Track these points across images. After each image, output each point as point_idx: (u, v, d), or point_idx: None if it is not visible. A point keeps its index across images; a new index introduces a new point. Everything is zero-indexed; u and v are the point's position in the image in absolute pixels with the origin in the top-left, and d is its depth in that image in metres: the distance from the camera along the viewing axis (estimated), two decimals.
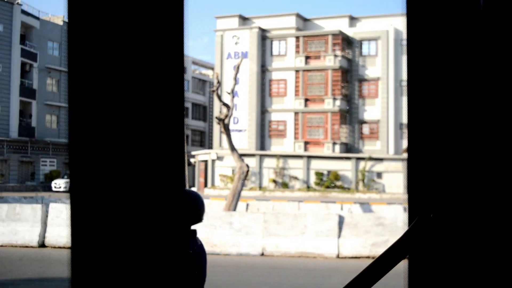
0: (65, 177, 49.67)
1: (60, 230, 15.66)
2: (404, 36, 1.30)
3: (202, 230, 14.83)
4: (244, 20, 56.23)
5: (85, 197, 1.14)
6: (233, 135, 23.81)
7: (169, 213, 1.15)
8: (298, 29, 54.30)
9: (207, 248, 14.69)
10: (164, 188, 1.15)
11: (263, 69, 53.97)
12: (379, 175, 48.30)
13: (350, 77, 53.16)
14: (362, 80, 52.86)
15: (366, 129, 52.55)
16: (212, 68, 65.76)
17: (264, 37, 54.36)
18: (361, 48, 53.33)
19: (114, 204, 1.14)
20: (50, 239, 15.65)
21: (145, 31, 1.14)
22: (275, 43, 54.44)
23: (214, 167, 52.11)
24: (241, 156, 22.68)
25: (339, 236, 14.82)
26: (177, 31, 1.15)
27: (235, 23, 55.38)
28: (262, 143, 53.21)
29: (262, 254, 14.81)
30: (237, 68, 23.83)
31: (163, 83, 1.14)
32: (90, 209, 1.14)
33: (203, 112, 72.76)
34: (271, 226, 15.16)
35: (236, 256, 14.68)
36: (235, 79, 23.93)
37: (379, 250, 14.31)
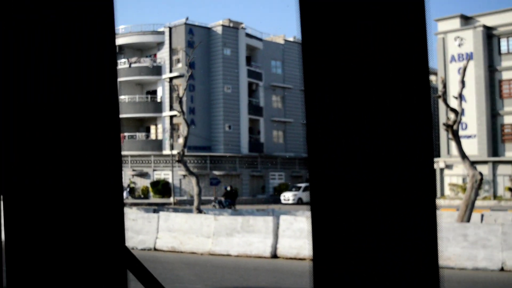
0: (293, 189, 51.27)
1: (290, 242, 15.96)
2: None
3: None
4: (466, 19, 53.30)
5: (326, 209, 1.11)
6: (462, 141, 22.45)
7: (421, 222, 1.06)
8: None
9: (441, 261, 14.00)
10: (414, 197, 1.07)
11: (491, 70, 50.52)
12: None
13: None
14: None
15: None
16: (435, 73, 63.43)
17: (490, 36, 50.94)
18: None
19: (357, 216, 1.10)
20: (281, 250, 16.02)
21: (381, 44, 1.09)
22: (503, 41, 50.67)
23: (442, 176, 49.92)
24: (473, 163, 21.26)
25: None
26: (420, 42, 1.08)
27: (457, 24, 52.72)
28: (494, 149, 49.71)
29: (502, 269, 13.59)
30: (464, 71, 22.45)
31: (409, 95, 1.09)
32: (331, 221, 1.11)
33: None
34: (511, 239, 13.87)
35: (472, 271, 13.67)
36: (462, 82, 22.55)
37: None
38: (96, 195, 1.93)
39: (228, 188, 39.38)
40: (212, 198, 46.10)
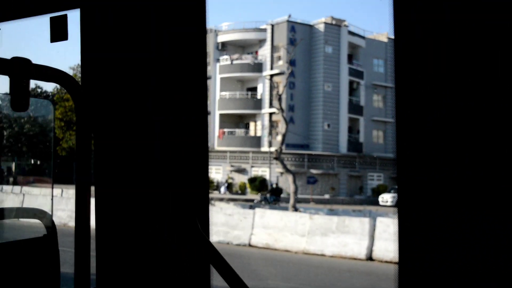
0: (392, 191, 50.24)
1: (387, 244, 15.62)
2: None
3: None
4: None
5: (414, 212, 1.09)
6: None
7: None
8: None
9: None
10: (507, 203, 1.02)
11: None
12: None
13: None
14: None
15: None
16: None
17: None
18: None
19: (446, 221, 1.05)
20: (377, 253, 15.71)
21: (477, 41, 1.03)
22: None
23: None
24: None
25: None
26: None
27: None
28: None
29: None
30: None
31: (506, 96, 1.03)
32: (419, 224, 1.08)
33: None
34: None
35: None
36: None
37: None
38: (182, 189, 1.94)
39: (274, 186, 42.42)
40: (310, 196, 46.11)
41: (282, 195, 47.19)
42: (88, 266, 1.85)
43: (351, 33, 56.98)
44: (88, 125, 1.79)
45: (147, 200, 1.97)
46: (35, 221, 2.26)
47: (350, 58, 57.21)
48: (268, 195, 40.01)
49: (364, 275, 13.50)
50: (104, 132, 2.04)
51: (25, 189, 29.58)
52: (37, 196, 24.07)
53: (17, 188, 30.42)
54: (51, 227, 2.21)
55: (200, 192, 1.94)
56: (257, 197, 45.72)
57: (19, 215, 2.43)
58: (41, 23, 2.16)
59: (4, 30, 2.36)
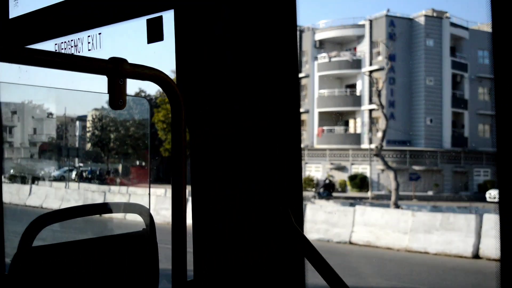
0: None
1: (495, 242, 15.02)
2: None
3: None
4: None
5: None
6: None
7: None
8: None
9: None
10: None
11: None
12: None
13: None
14: None
15: None
16: None
17: None
18: None
19: None
20: (484, 251, 15.14)
21: None
22: None
23: None
24: None
25: None
26: None
27: None
28: None
29: None
30: None
31: None
32: None
33: None
34: None
35: None
36: None
37: None
38: (275, 184, 1.95)
39: (327, 181, 44.56)
40: (412, 193, 45.08)
41: (382, 192, 46.45)
42: (184, 260, 1.91)
43: (453, 24, 55.08)
44: (184, 124, 1.84)
45: (242, 196, 2.00)
46: (136, 217, 2.36)
47: (453, 50, 55.33)
48: (321, 190, 40.60)
49: (470, 273, 13.04)
50: (199, 131, 2.09)
51: (131, 189, 30.82)
52: (142, 196, 25.02)
53: (123, 189, 31.74)
54: (150, 222, 2.31)
55: (293, 187, 1.94)
56: (311, 193, 45.54)
57: (123, 209, 2.54)
58: (138, 26, 2.27)
59: (104, 34, 2.49)
